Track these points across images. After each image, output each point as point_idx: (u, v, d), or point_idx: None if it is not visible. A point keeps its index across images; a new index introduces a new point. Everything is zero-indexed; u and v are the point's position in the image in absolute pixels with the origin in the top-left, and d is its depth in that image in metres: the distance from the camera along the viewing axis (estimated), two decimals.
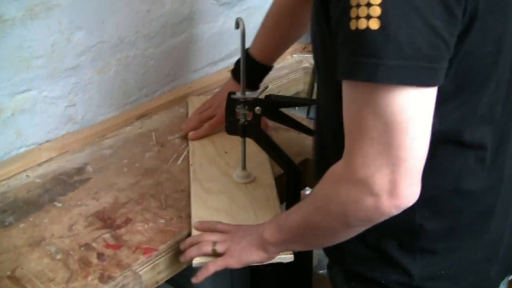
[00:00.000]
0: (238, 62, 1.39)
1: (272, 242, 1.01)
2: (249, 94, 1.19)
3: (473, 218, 0.94)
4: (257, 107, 1.19)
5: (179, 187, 1.28)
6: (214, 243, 1.06)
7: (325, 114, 1.02)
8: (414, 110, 0.75)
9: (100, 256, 1.09)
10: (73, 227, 1.17)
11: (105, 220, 1.19)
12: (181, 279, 1.22)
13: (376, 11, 0.72)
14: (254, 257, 1.04)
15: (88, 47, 1.41)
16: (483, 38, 0.80)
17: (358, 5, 0.72)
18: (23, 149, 1.38)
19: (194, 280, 1.06)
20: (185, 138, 1.47)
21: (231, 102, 1.20)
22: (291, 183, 1.25)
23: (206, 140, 1.39)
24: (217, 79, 1.76)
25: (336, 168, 0.85)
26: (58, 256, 1.10)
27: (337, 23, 0.78)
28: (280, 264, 1.08)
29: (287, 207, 1.21)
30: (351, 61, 0.75)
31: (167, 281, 1.16)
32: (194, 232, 1.12)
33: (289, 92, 1.83)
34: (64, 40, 1.35)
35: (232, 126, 1.22)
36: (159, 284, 1.13)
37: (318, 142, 1.10)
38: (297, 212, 0.97)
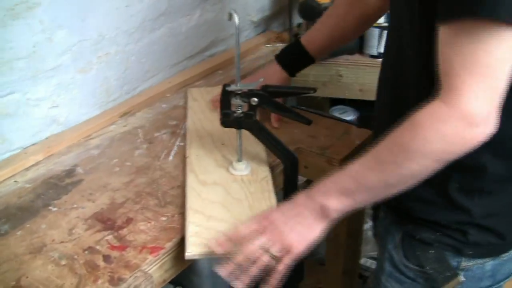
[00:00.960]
0: (285, 48, 1.46)
1: (339, 208, 0.98)
2: (245, 86, 1.18)
3: None
4: (253, 98, 1.18)
5: (175, 183, 1.27)
6: (264, 248, 0.99)
7: (405, 62, 1.03)
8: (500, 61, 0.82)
9: (106, 258, 1.07)
10: (73, 231, 1.14)
11: (105, 221, 1.16)
12: (179, 277, 1.21)
13: None
14: (317, 232, 1.00)
15: (69, 46, 1.38)
16: None
17: None
18: (8, 154, 1.34)
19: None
20: (173, 133, 1.45)
21: (226, 94, 1.19)
22: (288, 172, 1.25)
23: (204, 132, 1.38)
24: (196, 72, 1.75)
25: (435, 109, 0.88)
26: (63, 262, 1.07)
27: None
28: None
29: (284, 197, 1.21)
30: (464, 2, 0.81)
31: None
32: (189, 225, 1.10)
33: None
34: (45, 39, 1.32)
35: (227, 119, 1.21)
36: (166, 282, 1.12)
37: (393, 91, 1.11)
38: (375, 169, 0.95)
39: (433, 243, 1.08)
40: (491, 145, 0.90)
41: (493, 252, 1.08)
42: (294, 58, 1.42)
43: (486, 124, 0.86)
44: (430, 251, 1.08)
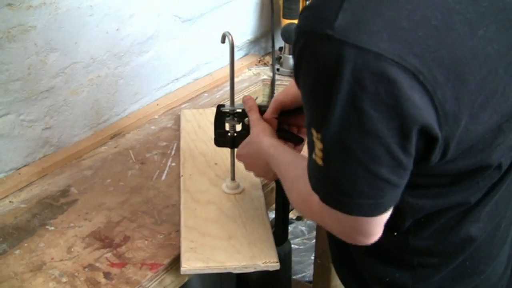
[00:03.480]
0: None
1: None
2: (238, 106, 1.22)
3: None
4: (247, 118, 1.22)
5: (170, 202, 1.29)
6: None
7: None
8: (371, 227, 0.82)
9: (107, 275, 1.09)
10: (72, 249, 1.16)
11: (103, 239, 1.18)
12: None
13: (320, 154, 0.77)
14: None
15: (62, 69, 1.40)
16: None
17: (316, 139, 0.77)
18: (2, 175, 1.35)
19: None
20: (164, 154, 1.48)
21: (220, 115, 1.23)
22: (280, 189, 1.28)
23: (197, 152, 1.41)
24: (182, 95, 1.78)
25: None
26: (64, 279, 1.08)
27: None
28: (263, 272, 1.12)
29: (276, 215, 1.24)
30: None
31: None
32: (184, 241, 1.13)
33: None
34: (39, 62, 1.34)
35: (221, 138, 1.24)
36: None
37: None
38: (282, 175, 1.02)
39: None
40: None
41: None
42: None
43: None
44: None
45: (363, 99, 0.69)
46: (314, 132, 0.77)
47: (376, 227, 0.83)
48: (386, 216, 0.82)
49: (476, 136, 0.78)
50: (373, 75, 0.68)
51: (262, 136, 1.08)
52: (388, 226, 0.85)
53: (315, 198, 0.84)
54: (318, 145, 0.77)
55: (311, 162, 0.80)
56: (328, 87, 0.71)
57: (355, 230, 0.85)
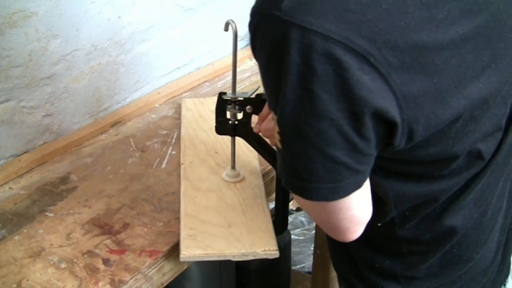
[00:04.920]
0: None
1: None
2: (240, 94, 1.22)
3: None
4: (248, 106, 1.21)
5: (169, 190, 1.29)
6: None
7: None
8: (340, 220, 0.83)
9: (106, 261, 1.09)
10: (71, 236, 1.16)
11: (102, 226, 1.18)
12: (173, 283, 1.23)
13: (278, 136, 0.77)
14: None
15: (63, 55, 1.39)
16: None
17: (275, 121, 0.77)
18: (2, 161, 1.35)
19: None
20: (164, 142, 1.47)
21: (222, 103, 1.22)
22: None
23: (197, 140, 1.41)
24: (183, 84, 1.78)
25: None
26: (63, 265, 1.08)
27: None
28: (263, 262, 1.12)
29: (276, 204, 1.24)
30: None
31: None
32: (183, 229, 1.13)
33: None
34: (41, 48, 1.33)
35: (222, 126, 1.24)
36: (163, 286, 1.14)
37: None
38: None
39: None
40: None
41: None
42: None
43: None
44: None
45: (313, 81, 0.69)
46: (273, 114, 0.77)
47: (344, 221, 0.83)
48: (354, 209, 0.82)
49: (444, 121, 0.77)
50: (321, 57, 0.68)
51: None
52: (373, 218, 0.85)
53: None
54: (276, 127, 0.76)
55: (276, 145, 0.80)
56: (278, 68, 0.71)
57: (325, 221, 0.85)
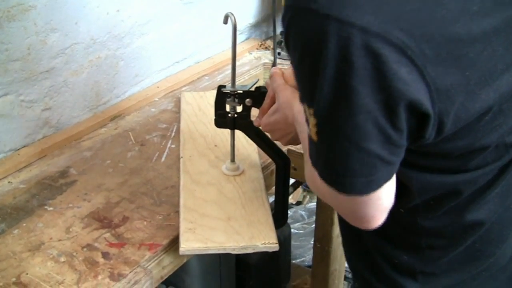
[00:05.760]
0: None
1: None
2: (240, 87, 1.21)
3: None
4: (248, 99, 1.21)
5: (169, 184, 1.29)
6: None
7: None
8: (367, 208, 0.82)
9: (105, 255, 1.09)
10: (71, 229, 1.15)
11: (102, 220, 1.18)
12: (170, 276, 1.23)
13: (314, 129, 0.77)
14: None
15: (62, 49, 1.39)
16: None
17: (309, 114, 0.76)
18: (1, 156, 1.35)
19: None
20: (164, 136, 1.47)
21: (221, 96, 1.22)
22: (280, 172, 1.28)
23: (197, 134, 1.41)
24: (182, 78, 1.78)
25: None
26: (62, 259, 1.08)
27: None
28: (263, 255, 1.11)
29: (276, 198, 1.24)
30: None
31: None
32: (183, 222, 1.13)
33: None
34: (39, 42, 1.33)
35: (221, 119, 1.23)
36: (163, 279, 1.14)
37: None
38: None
39: None
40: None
41: None
42: None
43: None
44: None
45: (350, 75, 0.68)
46: (306, 107, 0.77)
47: (372, 209, 0.82)
48: (382, 198, 0.81)
49: (474, 114, 0.77)
50: (359, 50, 0.67)
51: (292, 100, 1.04)
52: (396, 203, 0.85)
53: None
54: (312, 120, 0.76)
55: (309, 137, 0.80)
56: (315, 62, 0.70)
57: (352, 211, 0.84)
